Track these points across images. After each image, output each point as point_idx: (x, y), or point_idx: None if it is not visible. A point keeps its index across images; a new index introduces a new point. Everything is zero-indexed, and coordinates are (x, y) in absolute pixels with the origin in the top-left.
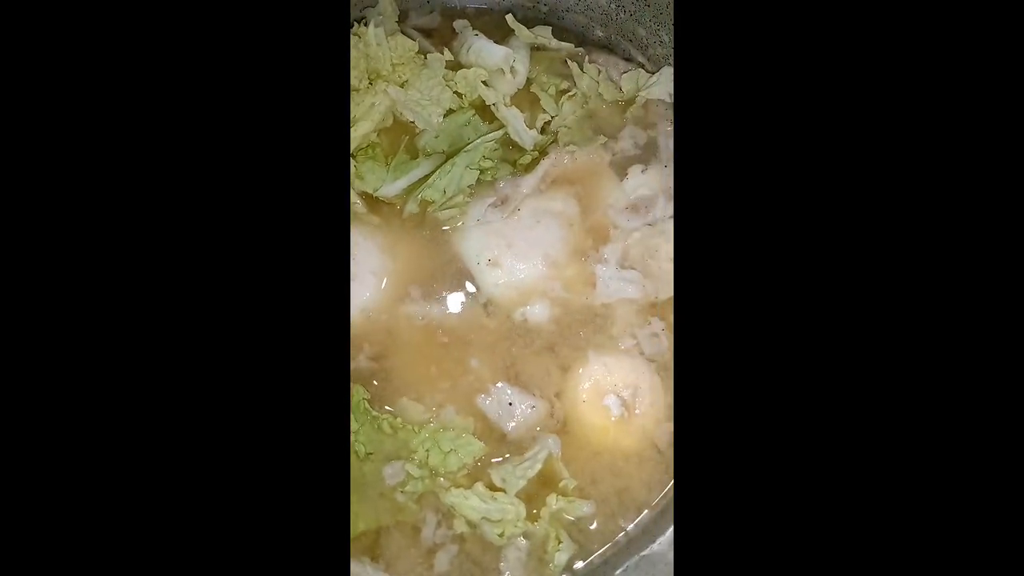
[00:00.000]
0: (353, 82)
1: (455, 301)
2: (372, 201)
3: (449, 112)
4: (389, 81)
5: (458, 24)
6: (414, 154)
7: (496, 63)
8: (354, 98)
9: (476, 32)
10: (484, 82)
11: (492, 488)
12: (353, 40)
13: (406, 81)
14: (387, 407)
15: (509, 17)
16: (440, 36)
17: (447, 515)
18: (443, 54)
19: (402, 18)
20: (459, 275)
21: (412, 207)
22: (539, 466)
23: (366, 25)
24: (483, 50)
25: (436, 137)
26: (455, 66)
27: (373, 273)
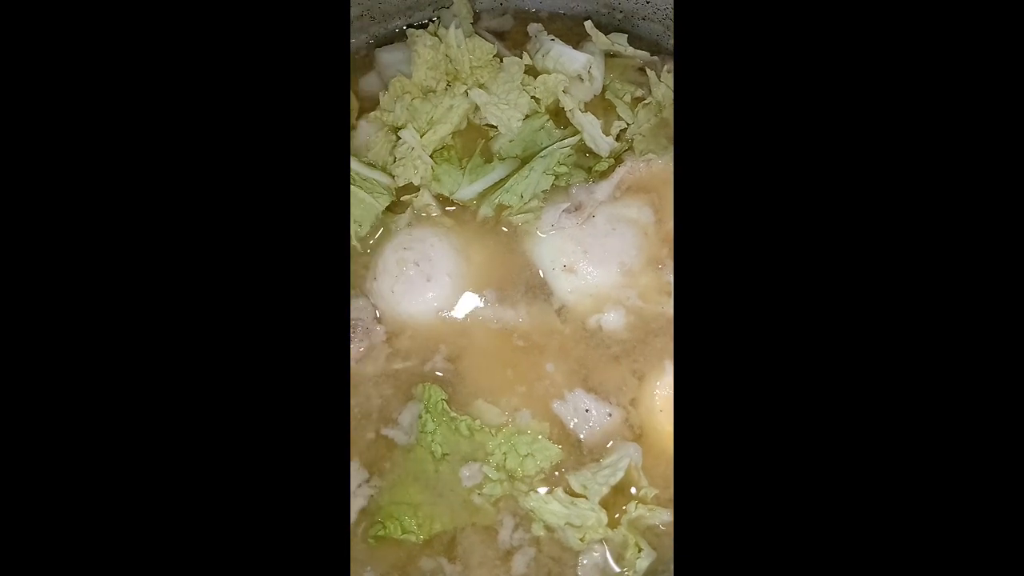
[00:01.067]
0: (431, 83)
1: (529, 306)
2: (445, 203)
3: (525, 117)
4: (467, 84)
5: (532, 28)
6: (488, 158)
7: (576, 69)
8: (432, 99)
9: (552, 37)
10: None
11: (571, 494)
12: (431, 41)
13: (483, 85)
14: (464, 409)
15: (588, 24)
16: (512, 39)
17: (524, 518)
18: (522, 58)
19: (474, 20)
20: (533, 280)
21: (486, 211)
22: (621, 474)
23: (445, 26)
24: (563, 55)
25: (511, 141)
26: (530, 70)
27: (449, 275)
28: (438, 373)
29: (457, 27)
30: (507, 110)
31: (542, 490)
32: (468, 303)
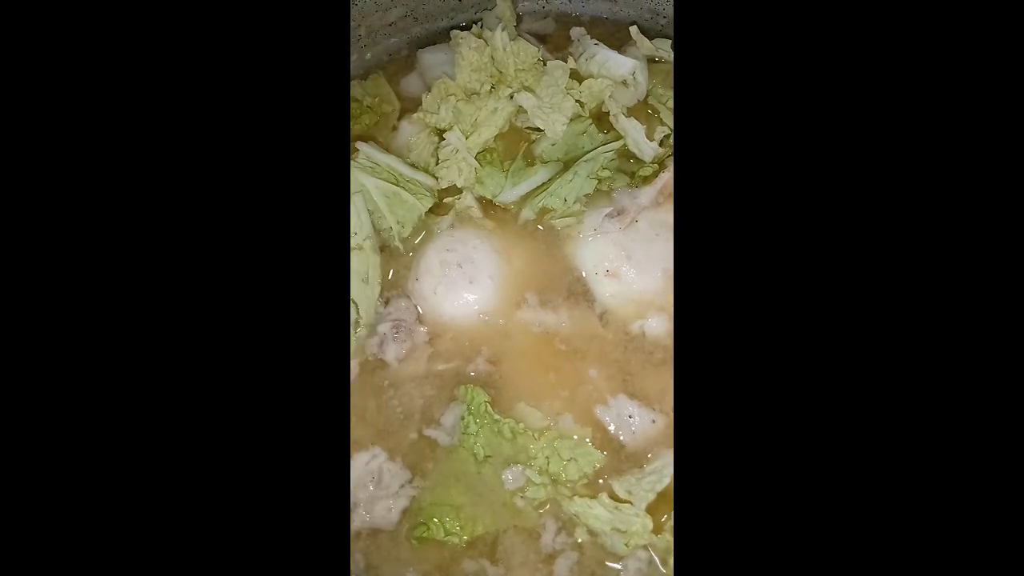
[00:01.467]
0: (475, 85)
1: (571, 310)
2: (487, 206)
3: (568, 120)
4: (511, 87)
5: (575, 32)
6: (531, 161)
7: (622, 74)
8: (475, 102)
9: (596, 41)
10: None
11: (615, 499)
12: (476, 43)
13: (527, 88)
14: (506, 412)
15: (634, 29)
16: (553, 43)
17: (567, 523)
18: (567, 62)
19: (516, 23)
20: (575, 284)
21: (528, 214)
22: (667, 480)
23: (489, 28)
24: (608, 60)
25: (552, 145)
26: (573, 74)
27: (490, 277)
28: (480, 375)
29: (503, 30)
30: (551, 114)
31: (585, 496)
32: (509, 306)
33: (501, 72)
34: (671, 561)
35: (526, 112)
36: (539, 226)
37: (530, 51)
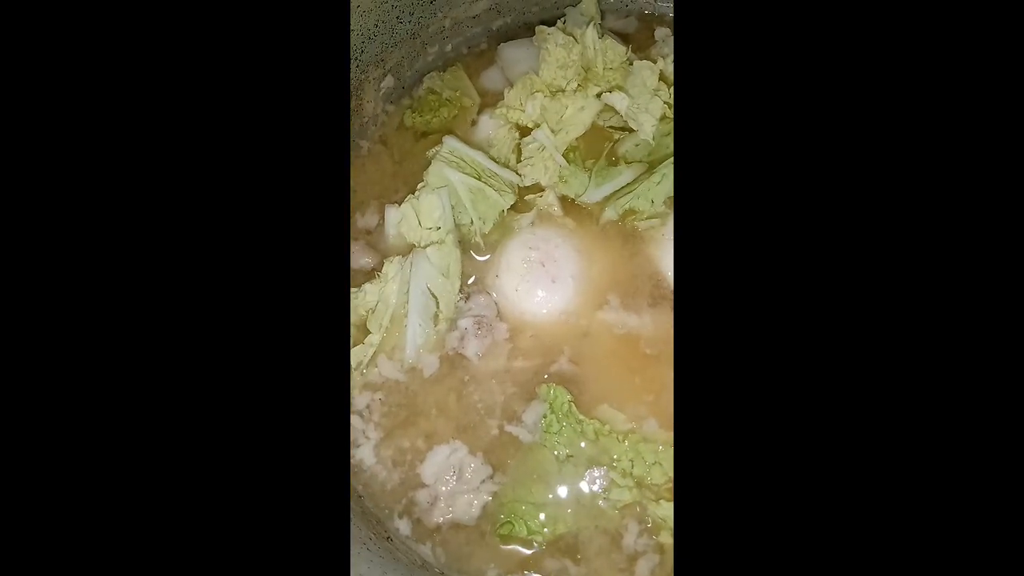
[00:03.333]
0: (560, 82)
1: (655, 314)
2: (567, 206)
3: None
4: (599, 85)
5: (660, 33)
6: (614, 161)
7: None
8: (561, 99)
9: None
10: None
11: None
12: (563, 39)
13: (615, 87)
14: (586, 413)
15: None
16: (635, 41)
17: (653, 526)
18: (656, 63)
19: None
20: (659, 287)
21: (611, 214)
22: None
23: (575, 25)
24: None
25: (637, 145)
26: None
27: (573, 277)
28: (562, 374)
29: (592, 27)
30: (642, 114)
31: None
32: (591, 306)
33: (588, 70)
34: None
35: (610, 111)
36: (621, 227)
37: (618, 50)
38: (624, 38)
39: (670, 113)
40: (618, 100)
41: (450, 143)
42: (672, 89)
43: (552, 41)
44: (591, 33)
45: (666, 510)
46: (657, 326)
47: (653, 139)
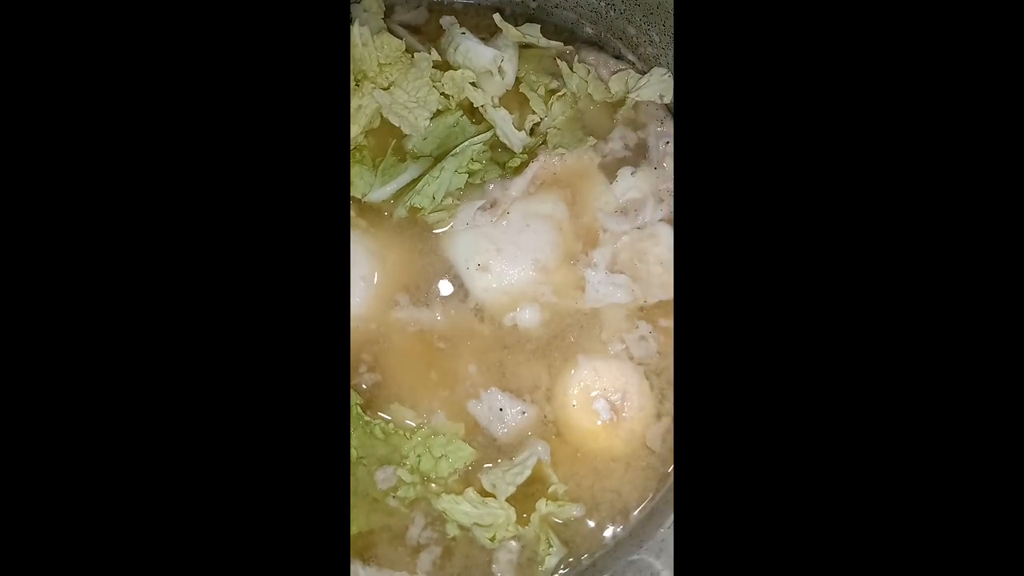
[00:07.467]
0: None
1: (446, 307)
2: (360, 205)
3: (437, 113)
4: (375, 83)
5: (445, 21)
6: (402, 157)
7: (484, 64)
8: None
9: (464, 30)
10: (472, 83)
11: (483, 493)
12: None
13: (393, 82)
14: (380, 412)
15: (497, 16)
16: (427, 33)
17: (439, 519)
18: (430, 53)
19: (388, 13)
20: (450, 280)
21: (401, 212)
22: (528, 472)
23: (359, 23)
24: (471, 51)
25: (424, 139)
26: (443, 66)
27: (363, 279)
28: (364, 383)
29: (363, 24)
30: (415, 109)
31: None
32: (384, 306)
33: (364, 68)
34: (540, 551)
35: None
36: (414, 223)
37: (394, 44)
38: (415, 30)
39: (451, 104)
40: (381, 98)
41: None
42: (446, 74)
43: None
44: (359, 30)
45: (447, 503)
46: (449, 319)
47: (432, 132)
